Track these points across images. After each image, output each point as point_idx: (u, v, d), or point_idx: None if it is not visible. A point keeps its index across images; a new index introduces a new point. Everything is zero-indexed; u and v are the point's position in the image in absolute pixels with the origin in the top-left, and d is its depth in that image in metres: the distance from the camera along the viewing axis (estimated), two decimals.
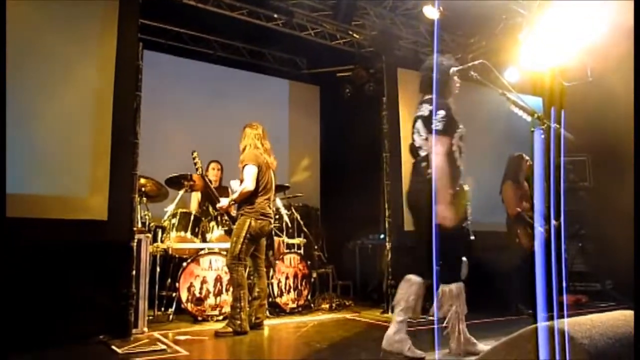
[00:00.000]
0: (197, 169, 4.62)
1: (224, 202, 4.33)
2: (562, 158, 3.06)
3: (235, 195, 4.21)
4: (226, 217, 4.66)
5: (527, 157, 5.16)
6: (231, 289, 4.26)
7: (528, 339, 1.32)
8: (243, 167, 4.18)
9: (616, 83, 5.51)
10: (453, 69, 3.00)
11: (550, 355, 1.24)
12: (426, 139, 3.09)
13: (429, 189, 2.96)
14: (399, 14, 5.72)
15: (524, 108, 2.92)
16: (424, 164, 3.09)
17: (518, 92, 3.10)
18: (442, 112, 2.99)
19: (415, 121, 3.21)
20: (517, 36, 5.30)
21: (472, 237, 3.12)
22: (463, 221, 3.02)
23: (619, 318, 1.42)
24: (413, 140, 3.23)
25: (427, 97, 3.16)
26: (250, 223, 4.09)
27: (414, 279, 3.05)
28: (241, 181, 4.19)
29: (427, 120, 3.05)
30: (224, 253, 4.47)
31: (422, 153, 3.13)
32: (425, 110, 3.12)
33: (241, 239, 4.06)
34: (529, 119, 2.81)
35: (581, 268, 6.30)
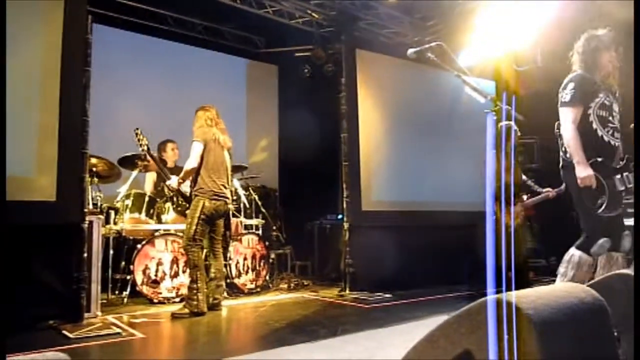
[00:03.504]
0: (141, 147, 4.52)
1: (173, 180, 4.28)
2: (512, 141, 3.17)
3: (182, 174, 4.19)
4: (181, 199, 4.59)
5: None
6: (188, 270, 4.22)
7: (478, 311, 1.37)
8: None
9: (564, 69, 5.74)
10: (410, 51, 3.01)
11: (498, 325, 1.31)
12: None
13: (570, 163, 3.05)
14: None
15: (478, 90, 2.98)
16: (560, 140, 3.18)
17: (472, 75, 3.17)
18: (571, 85, 3.05)
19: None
20: (473, 20, 5.39)
21: (612, 214, 2.99)
22: (601, 197, 2.99)
23: (562, 289, 1.51)
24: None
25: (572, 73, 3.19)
26: (204, 203, 4.04)
27: (576, 252, 3.08)
28: None
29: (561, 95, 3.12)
30: (180, 234, 4.41)
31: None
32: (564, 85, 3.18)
33: (195, 220, 4.01)
34: (482, 100, 2.88)
35: (529, 245, 6.63)
